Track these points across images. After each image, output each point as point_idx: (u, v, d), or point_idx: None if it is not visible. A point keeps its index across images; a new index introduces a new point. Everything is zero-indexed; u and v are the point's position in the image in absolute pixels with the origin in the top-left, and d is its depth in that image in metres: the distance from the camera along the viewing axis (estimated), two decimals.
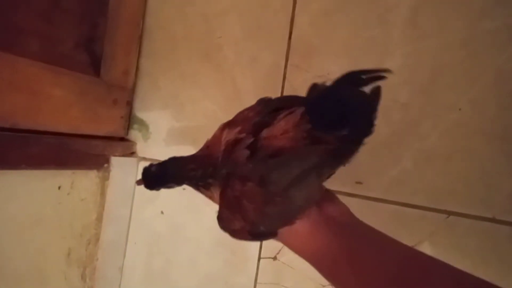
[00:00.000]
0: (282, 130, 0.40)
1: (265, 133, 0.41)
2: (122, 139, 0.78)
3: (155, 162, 0.48)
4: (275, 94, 0.70)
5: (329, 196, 0.45)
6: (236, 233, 0.42)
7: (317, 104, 0.39)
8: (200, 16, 0.75)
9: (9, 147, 0.55)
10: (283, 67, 0.70)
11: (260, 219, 0.40)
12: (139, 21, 0.77)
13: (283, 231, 0.42)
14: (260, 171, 0.39)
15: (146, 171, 0.48)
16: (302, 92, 0.70)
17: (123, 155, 0.76)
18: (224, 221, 0.42)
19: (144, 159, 0.78)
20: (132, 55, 0.76)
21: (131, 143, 0.78)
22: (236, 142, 0.42)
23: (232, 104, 0.73)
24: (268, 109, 0.43)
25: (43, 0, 0.59)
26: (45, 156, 0.60)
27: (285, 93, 0.70)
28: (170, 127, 0.77)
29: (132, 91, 0.78)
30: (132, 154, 0.78)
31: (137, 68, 0.78)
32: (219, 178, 0.43)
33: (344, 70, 0.67)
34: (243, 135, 0.42)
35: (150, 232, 0.77)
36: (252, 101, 0.73)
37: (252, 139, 0.41)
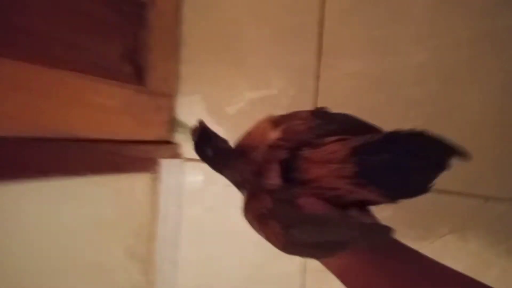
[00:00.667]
0: (325, 157, 0.36)
1: (307, 152, 0.37)
2: (168, 142, 0.83)
3: (217, 138, 0.47)
4: (309, 94, 0.72)
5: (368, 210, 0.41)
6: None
7: (379, 148, 0.33)
8: (232, 21, 0.79)
9: (71, 156, 0.61)
10: (316, 67, 0.72)
11: (280, 249, 0.39)
12: (176, 30, 0.82)
13: None
14: (286, 211, 0.36)
15: (200, 145, 0.46)
16: (337, 89, 0.72)
17: (171, 157, 0.81)
18: (248, 222, 0.42)
19: (190, 159, 0.83)
20: (171, 63, 0.81)
21: (177, 146, 0.83)
22: (275, 148, 0.40)
23: (268, 106, 0.76)
24: (323, 130, 0.39)
25: (89, 18, 0.65)
26: (102, 162, 0.66)
27: (320, 93, 0.72)
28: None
29: (174, 96, 0.83)
30: (178, 155, 0.83)
31: (178, 75, 0.83)
32: (251, 182, 0.42)
33: (369, 70, 0.69)
34: (282, 143, 0.39)
35: (200, 227, 0.82)
36: (287, 103, 0.75)
37: (287, 155, 0.38)
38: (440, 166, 0.32)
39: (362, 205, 0.37)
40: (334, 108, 0.71)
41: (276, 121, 0.43)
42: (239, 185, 0.44)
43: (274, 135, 0.41)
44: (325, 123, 0.40)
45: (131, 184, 0.71)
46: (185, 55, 0.83)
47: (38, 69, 0.54)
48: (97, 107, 0.66)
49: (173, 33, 0.82)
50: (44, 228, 0.59)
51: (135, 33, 0.74)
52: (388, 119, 0.65)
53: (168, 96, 0.82)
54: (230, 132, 0.80)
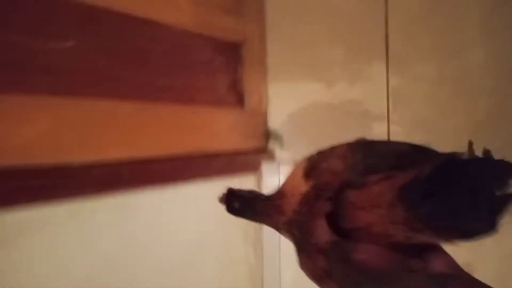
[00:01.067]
0: (372, 201, 0.32)
1: (351, 197, 0.34)
2: (265, 149, 1.04)
3: (241, 191, 0.52)
4: (380, 101, 0.87)
5: (433, 247, 0.36)
6: None
7: (430, 185, 0.29)
8: (309, 46, 0.97)
9: (201, 166, 0.84)
10: (385, 76, 0.87)
11: None
12: (263, 60, 1.03)
13: None
14: (343, 270, 0.34)
15: (229, 203, 0.50)
16: (404, 92, 0.86)
17: (268, 161, 1.02)
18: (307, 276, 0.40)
19: (283, 161, 1.03)
20: (262, 87, 1.02)
21: (272, 152, 1.04)
22: (315, 199, 0.37)
23: (342, 115, 0.93)
24: (364, 167, 0.36)
25: (205, 64, 0.89)
26: (222, 168, 0.89)
27: (390, 96, 0.87)
28: (297, 135, 1.01)
29: (266, 113, 1.04)
30: (273, 159, 1.04)
31: (267, 95, 1.04)
32: (292, 234, 0.41)
33: (432, 72, 0.82)
34: (321, 192, 0.37)
35: None
36: (360, 113, 0.91)
37: (331, 206, 0.35)
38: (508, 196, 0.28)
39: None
40: (404, 108, 0.86)
41: (309, 166, 0.41)
42: (277, 229, 0.45)
43: (305, 185, 0.39)
44: (365, 158, 0.37)
45: (242, 183, 0.93)
46: (271, 79, 1.04)
47: (179, 108, 0.78)
48: (214, 129, 0.89)
49: (262, 63, 1.03)
50: (185, 223, 0.83)
51: (235, 68, 0.96)
52: (452, 114, 0.78)
53: (262, 113, 1.03)
54: (311, 138, 0.98)
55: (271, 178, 1.01)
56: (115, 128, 0.63)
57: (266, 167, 1.01)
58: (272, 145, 1.04)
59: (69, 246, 0.61)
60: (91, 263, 0.64)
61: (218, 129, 0.89)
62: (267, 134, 1.05)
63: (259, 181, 0.99)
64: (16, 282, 0.55)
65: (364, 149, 0.39)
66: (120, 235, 0.67)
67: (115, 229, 0.67)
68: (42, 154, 0.58)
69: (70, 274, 0.61)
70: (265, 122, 1.03)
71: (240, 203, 0.49)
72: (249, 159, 0.97)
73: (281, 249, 1.03)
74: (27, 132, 0.57)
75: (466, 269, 0.34)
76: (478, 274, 0.33)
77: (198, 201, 0.85)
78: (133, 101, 0.67)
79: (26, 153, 0.57)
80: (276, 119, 1.04)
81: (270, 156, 1.03)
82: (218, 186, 0.90)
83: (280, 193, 0.44)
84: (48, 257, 0.59)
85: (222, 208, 0.91)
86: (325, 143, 0.87)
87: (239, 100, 0.97)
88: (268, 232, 1.00)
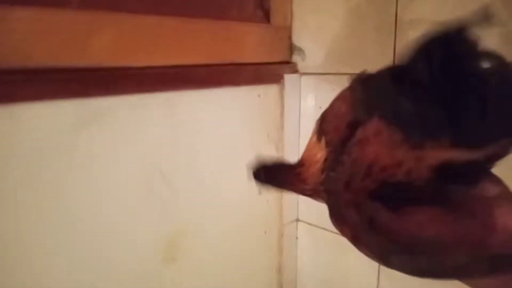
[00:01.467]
0: (374, 129, 0.31)
1: (359, 134, 0.33)
2: (288, 62, 1.18)
3: (266, 162, 0.52)
4: (390, 23, 0.96)
5: (503, 198, 0.30)
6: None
7: (411, 90, 0.27)
8: None
9: (232, 74, 1.00)
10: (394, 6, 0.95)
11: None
12: None
13: None
14: (377, 240, 0.31)
15: (256, 174, 0.50)
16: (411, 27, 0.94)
17: (291, 73, 1.16)
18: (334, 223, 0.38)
19: (304, 73, 1.16)
20: (288, 4, 1.13)
21: (294, 64, 1.17)
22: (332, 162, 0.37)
23: (357, 29, 1.02)
24: (363, 100, 0.34)
25: None
26: (250, 77, 1.04)
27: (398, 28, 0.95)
28: (317, 50, 1.12)
29: (291, 28, 1.15)
30: (296, 71, 1.17)
31: (292, 12, 1.14)
32: (321, 200, 0.41)
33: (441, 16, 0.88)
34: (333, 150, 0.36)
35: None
36: (373, 28, 0.99)
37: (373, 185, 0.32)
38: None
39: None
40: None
41: (319, 123, 0.41)
42: (304, 195, 0.45)
43: (320, 149, 0.39)
44: (365, 92, 0.36)
45: (267, 91, 1.09)
46: None
47: (213, 23, 0.92)
48: (243, 42, 1.03)
49: None
50: (218, 118, 1.01)
51: None
52: None
53: (287, 28, 1.14)
54: (331, 53, 1.10)
55: (293, 88, 1.16)
56: (162, 39, 0.80)
57: (288, 78, 1.15)
58: (295, 58, 1.18)
59: (129, 133, 0.82)
60: (147, 147, 0.85)
61: (247, 42, 1.03)
62: (291, 48, 1.17)
63: (281, 91, 1.14)
64: (91, 156, 0.76)
65: (362, 83, 0.38)
66: (168, 125, 0.87)
67: (165, 119, 0.86)
68: (107, 59, 0.76)
69: (132, 153, 0.82)
70: (289, 36, 1.15)
71: (265, 174, 0.49)
72: (274, 70, 1.11)
73: (300, 145, 1.22)
74: (95, 42, 0.74)
75: None
76: None
77: (229, 104, 1.02)
78: (175, 17, 0.82)
79: (95, 58, 0.74)
80: (299, 34, 1.15)
81: (293, 69, 1.17)
82: (247, 91, 1.07)
83: (300, 161, 0.44)
84: (113, 140, 0.79)
85: (246, 110, 1.08)
86: (342, 55, 0.97)
87: (266, 16, 1.08)
88: (289, 135, 1.18)
